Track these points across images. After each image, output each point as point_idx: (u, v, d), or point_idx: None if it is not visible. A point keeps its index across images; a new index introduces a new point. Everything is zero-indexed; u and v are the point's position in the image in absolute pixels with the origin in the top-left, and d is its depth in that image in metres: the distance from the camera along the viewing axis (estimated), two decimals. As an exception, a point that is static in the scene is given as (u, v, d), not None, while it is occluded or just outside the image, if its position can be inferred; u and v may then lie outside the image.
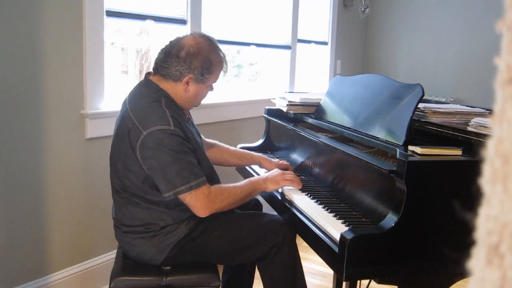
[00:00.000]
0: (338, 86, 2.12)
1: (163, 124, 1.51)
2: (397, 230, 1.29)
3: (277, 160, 2.13)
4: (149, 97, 1.60)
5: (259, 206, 2.07)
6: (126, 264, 1.67)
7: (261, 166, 2.12)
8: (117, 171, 1.63)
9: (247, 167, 2.21)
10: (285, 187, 1.79)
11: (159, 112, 1.54)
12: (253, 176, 2.12)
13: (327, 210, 1.58)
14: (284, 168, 1.98)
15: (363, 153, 1.60)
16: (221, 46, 1.78)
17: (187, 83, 1.64)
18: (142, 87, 1.68)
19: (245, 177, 2.23)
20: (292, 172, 1.82)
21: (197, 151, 1.64)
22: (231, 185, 1.65)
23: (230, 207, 1.63)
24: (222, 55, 1.72)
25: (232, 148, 2.12)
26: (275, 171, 1.80)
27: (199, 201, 1.53)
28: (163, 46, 1.70)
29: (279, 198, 1.80)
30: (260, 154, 2.20)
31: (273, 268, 1.68)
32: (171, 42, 1.69)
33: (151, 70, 1.74)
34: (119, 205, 1.68)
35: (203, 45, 1.65)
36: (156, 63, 1.67)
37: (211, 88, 1.76)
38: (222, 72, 1.74)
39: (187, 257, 1.65)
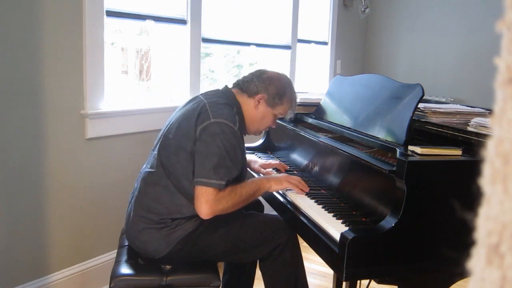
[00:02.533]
0: (338, 86, 2.12)
1: (231, 121, 1.63)
2: (397, 230, 1.29)
3: (264, 160, 2.14)
4: (225, 100, 1.74)
5: (260, 206, 2.07)
6: (126, 264, 1.67)
7: (248, 167, 2.13)
8: (168, 147, 1.68)
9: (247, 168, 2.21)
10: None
11: (230, 112, 1.68)
12: (251, 174, 2.13)
13: (327, 210, 1.58)
14: (289, 171, 2.00)
15: (363, 153, 1.60)
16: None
17: (259, 101, 1.79)
18: (219, 92, 1.82)
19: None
20: (298, 178, 1.81)
21: (243, 167, 1.72)
22: (236, 185, 1.65)
23: (234, 208, 1.63)
24: (295, 95, 1.89)
25: None
26: (281, 174, 1.84)
27: (205, 198, 1.55)
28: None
29: (280, 198, 1.80)
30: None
31: (275, 269, 1.68)
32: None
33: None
34: (146, 183, 1.69)
35: (285, 78, 1.88)
36: (240, 79, 1.87)
37: (274, 123, 1.89)
38: (289, 111, 1.88)
39: (190, 253, 1.65)
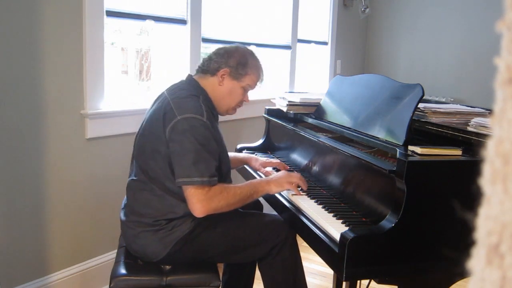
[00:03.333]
0: (338, 86, 2.12)
1: (197, 114, 1.59)
2: (397, 230, 1.29)
3: (264, 159, 2.13)
4: (189, 91, 1.70)
5: (259, 206, 2.07)
6: (126, 264, 1.67)
7: (249, 165, 2.14)
8: (144, 153, 1.67)
9: (247, 168, 2.21)
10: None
11: (196, 104, 1.63)
12: (252, 175, 2.13)
13: (327, 210, 1.57)
14: (291, 170, 1.99)
15: (363, 153, 1.60)
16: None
17: (222, 76, 1.75)
18: (183, 83, 1.78)
19: (245, 177, 2.25)
20: (298, 174, 1.79)
21: (221, 155, 1.69)
22: (232, 185, 1.65)
23: (229, 207, 1.61)
24: (259, 63, 1.84)
25: None
26: (281, 173, 1.79)
27: (196, 197, 1.54)
28: None
29: (279, 198, 1.80)
30: (246, 154, 2.21)
31: (274, 268, 1.68)
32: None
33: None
34: (133, 191, 1.69)
35: (243, 48, 1.83)
36: (198, 65, 1.83)
37: (246, 97, 1.84)
38: (258, 83, 1.84)
39: (189, 254, 1.65)
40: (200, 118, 1.58)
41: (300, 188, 1.75)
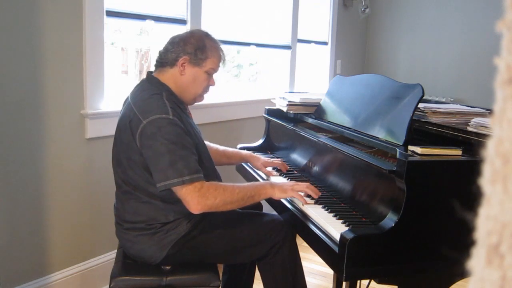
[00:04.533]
0: (338, 86, 2.12)
1: (162, 113, 1.54)
2: (397, 230, 1.29)
3: (266, 158, 2.13)
4: (150, 90, 1.64)
5: (259, 205, 2.07)
6: (126, 264, 1.67)
7: (250, 164, 2.13)
8: (121, 164, 1.64)
9: (246, 167, 2.21)
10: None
11: (159, 103, 1.57)
12: (251, 174, 2.13)
13: (327, 210, 1.57)
14: (289, 171, 1.98)
15: (363, 153, 1.60)
16: (221, 46, 1.78)
17: (183, 65, 1.68)
18: (144, 83, 1.73)
19: (244, 176, 2.25)
20: (306, 183, 1.71)
21: (198, 147, 1.64)
22: (230, 184, 1.61)
23: (228, 206, 1.56)
24: (217, 43, 1.76)
25: (221, 147, 2.11)
26: (289, 181, 1.76)
27: (190, 195, 1.50)
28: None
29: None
30: (249, 152, 2.21)
31: (273, 268, 1.68)
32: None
33: (151, 69, 1.77)
34: (121, 201, 1.68)
35: (196, 31, 1.78)
36: (156, 60, 1.75)
37: (212, 81, 1.76)
38: (221, 64, 1.77)
39: (187, 255, 1.65)
40: (166, 117, 1.53)
41: (310, 196, 1.68)
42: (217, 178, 1.76)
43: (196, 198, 1.50)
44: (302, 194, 1.66)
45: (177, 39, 1.71)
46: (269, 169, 2.06)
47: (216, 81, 1.81)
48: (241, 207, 1.63)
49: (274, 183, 1.72)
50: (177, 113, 1.59)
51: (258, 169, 2.10)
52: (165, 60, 1.70)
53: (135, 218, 1.64)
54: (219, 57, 1.75)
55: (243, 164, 2.25)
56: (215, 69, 1.75)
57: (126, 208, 1.66)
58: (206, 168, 1.65)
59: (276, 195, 1.65)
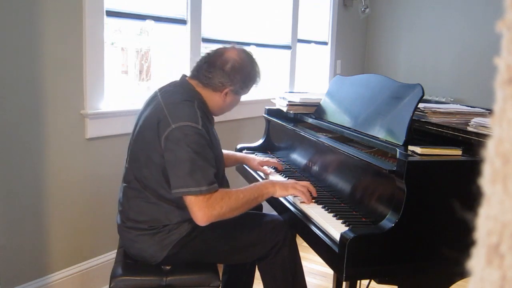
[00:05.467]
0: (338, 86, 2.12)
1: (192, 121, 1.54)
2: (397, 230, 1.29)
3: (262, 158, 2.13)
4: (183, 95, 1.65)
5: (259, 206, 2.07)
6: (126, 264, 1.67)
7: (246, 165, 2.14)
8: (138, 160, 1.64)
9: (246, 167, 2.21)
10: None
11: (191, 110, 1.58)
12: (251, 174, 2.13)
13: (327, 210, 1.57)
14: (290, 170, 1.98)
15: (363, 153, 1.60)
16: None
17: (226, 94, 1.72)
18: (177, 86, 1.73)
19: (244, 176, 2.25)
20: (306, 182, 1.72)
21: (217, 159, 1.66)
22: (234, 190, 1.61)
23: (234, 212, 1.57)
24: (259, 69, 1.81)
25: None
26: (289, 180, 1.77)
27: (197, 206, 1.50)
28: (205, 55, 1.76)
29: (279, 198, 1.80)
30: (244, 154, 2.21)
31: (274, 268, 1.68)
32: (215, 52, 1.75)
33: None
34: (127, 198, 1.68)
35: (246, 61, 1.75)
36: (197, 70, 1.73)
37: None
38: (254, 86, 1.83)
39: (188, 256, 1.65)
40: (195, 126, 1.54)
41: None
42: (227, 185, 1.79)
43: (203, 209, 1.50)
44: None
45: (228, 68, 1.68)
46: (266, 168, 2.07)
47: None
48: (247, 210, 1.63)
49: (275, 181, 1.73)
50: (205, 124, 1.60)
51: (255, 170, 2.10)
52: (209, 83, 1.70)
53: (139, 218, 1.64)
54: (256, 84, 1.82)
55: (244, 164, 2.25)
56: (247, 93, 1.82)
57: (131, 206, 1.66)
58: (219, 178, 1.66)
59: (278, 193, 1.66)
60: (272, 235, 1.66)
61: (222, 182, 1.74)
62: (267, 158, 2.15)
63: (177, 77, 1.80)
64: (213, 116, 1.79)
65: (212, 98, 1.72)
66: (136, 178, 1.65)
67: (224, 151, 2.15)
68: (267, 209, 2.03)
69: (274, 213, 1.85)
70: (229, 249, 1.68)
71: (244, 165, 2.24)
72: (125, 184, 1.71)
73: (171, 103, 1.61)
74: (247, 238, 1.68)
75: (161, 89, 1.73)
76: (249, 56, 1.77)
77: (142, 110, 1.73)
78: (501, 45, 0.27)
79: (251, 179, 2.13)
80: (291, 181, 1.73)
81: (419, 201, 1.32)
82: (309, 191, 1.67)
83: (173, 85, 1.74)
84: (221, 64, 1.69)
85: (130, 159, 1.69)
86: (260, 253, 1.68)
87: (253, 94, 3.37)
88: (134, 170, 1.66)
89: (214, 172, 1.56)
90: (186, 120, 1.54)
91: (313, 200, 1.67)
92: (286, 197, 1.77)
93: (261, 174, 2.08)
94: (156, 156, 1.58)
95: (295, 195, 1.68)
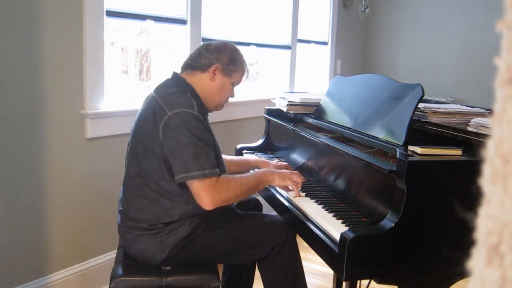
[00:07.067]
0: (338, 86, 2.12)
1: (188, 107, 1.58)
2: (397, 230, 1.29)
3: (276, 160, 2.13)
4: (176, 87, 1.70)
5: (259, 206, 2.07)
6: (126, 264, 1.67)
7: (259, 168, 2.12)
8: (136, 155, 1.65)
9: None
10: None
11: (185, 98, 1.63)
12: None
13: (327, 210, 1.57)
14: (286, 169, 1.98)
15: (363, 153, 1.60)
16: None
17: (214, 72, 1.74)
18: (169, 80, 1.77)
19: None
20: (298, 174, 1.80)
21: (215, 147, 1.68)
22: (238, 176, 1.66)
23: (238, 198, 1.63)
24: (244, 60, 1.84)
25: (229, 156, 2.11)
26: (285, 170, 1.82)
27: (205, 190, 1.52)
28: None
29: (279, 198, 1.80)
30: (256, 157, 2.21)
31: (274, 269, 1.68)
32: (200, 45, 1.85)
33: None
34: (127, 196, 1.69)
35: (230, 44, 1.84)
36: (185, 62, 1.81)
37: (233, 93, 1.84)
38: (244, 78, 1.85)
39: (188, 256, 1.65)
40: (191, 111, 1.57)
41: (301, 189, 1.76)
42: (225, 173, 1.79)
43: (211, 193, 1.53)
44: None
45: (212, 47, 1.76)
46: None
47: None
48: (249, 196, 1.69)
49: (273, 170, 1.77)
50: (201, 111, 1.64)
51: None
52: (197, 64, 1.75)
53: (139, 216, 1.65)
54: (244, 73, 1.84)
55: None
56: (238, 82, 1.83)
57: (131, 204, 1.67)
58: (220, 167, 1.67)
59: (276, 181, 1.73)
60: (273, 237, 1.66)
61: (222, 170, 1.74)
62: (280, 162, 2.13)
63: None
64: (208, 113, 1.81)
65: (203, 83, 1.74)
66: (136, 173, 1.66)
67: (236, 157, 2.16)
68: (267, 209, 2.03)
69: (274, 213, 1.85)
70: (229, 250, 1.68)
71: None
72: (125, 183, 1.72)
73: (164, 94, 1.65)
74: (248, 239, 1.68)
75: (155, 88, 1.76)
76: (234, 46, 1.85)
77: (139, 110, 1.76)
78: (501, 45, 0.27)
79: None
80: (286, 171, 1.80)
81: (419, 201, 1.32)
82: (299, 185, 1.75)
83: (165, 81, 1.78)
84: (206, 46, 1.79)
85: (130, 155, 1.71)
86: (260, 254, 1.68)
87: (253, 94, 3.38)
88: (134, 166, 1.67)
89: (214, 155, 1.60)
90: (182, 107, 1.57)
91: (304, 194, 1.71)
92: (286, 197, 1.77)
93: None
94: (155, 147, 1.59)
95: (289, 190, 1.75)
